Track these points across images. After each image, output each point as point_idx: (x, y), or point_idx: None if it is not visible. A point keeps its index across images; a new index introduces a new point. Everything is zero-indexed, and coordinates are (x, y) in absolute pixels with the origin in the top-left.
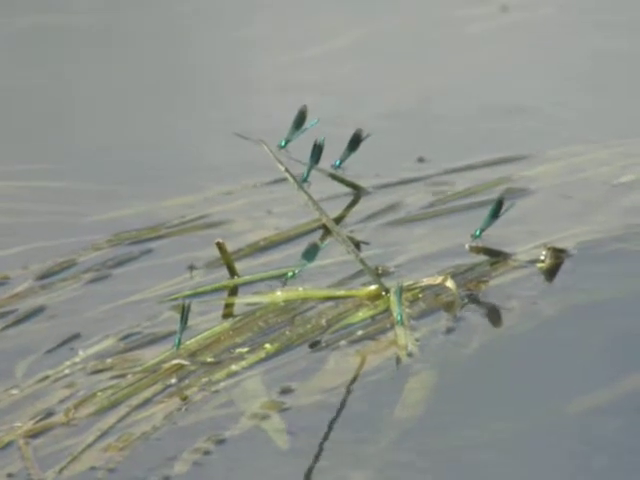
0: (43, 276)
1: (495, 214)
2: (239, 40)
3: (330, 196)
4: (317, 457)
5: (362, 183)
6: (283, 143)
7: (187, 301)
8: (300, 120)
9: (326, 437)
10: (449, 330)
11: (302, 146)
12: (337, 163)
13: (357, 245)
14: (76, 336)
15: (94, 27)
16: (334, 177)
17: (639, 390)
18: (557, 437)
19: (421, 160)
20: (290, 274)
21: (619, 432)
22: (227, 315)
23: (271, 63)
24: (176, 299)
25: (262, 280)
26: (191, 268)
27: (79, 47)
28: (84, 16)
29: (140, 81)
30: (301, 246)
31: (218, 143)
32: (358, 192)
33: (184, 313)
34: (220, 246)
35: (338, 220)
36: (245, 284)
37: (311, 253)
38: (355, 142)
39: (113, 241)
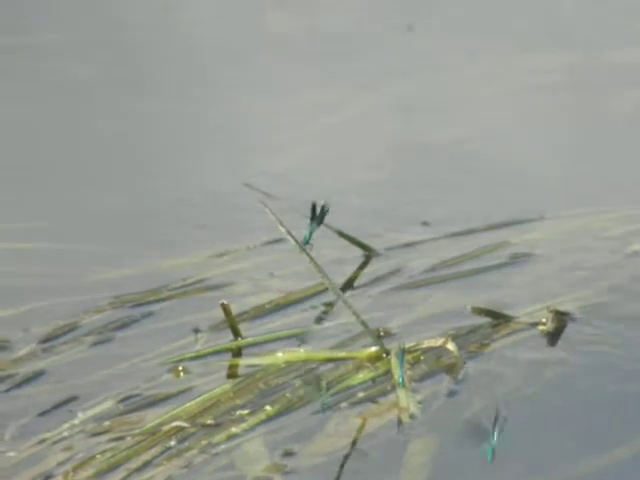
0: (45, 339)
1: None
2: (247, 103)
3: (342, 258)
4: None
5: (373, 245)
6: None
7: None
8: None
9: None
10: (451, 392)
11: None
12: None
13: None
14: (76, 399)
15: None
16: (343, 236)
17: None
18: None
19: (425, 224)
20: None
21: None
22: (228, 377)
23: (277, 132)
24: (180, 361)
25: (265, 342)
26: (196, 331)
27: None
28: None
29: (138, 139)
30: (306, 310)
31: (218, 203)
32: (369, 253)
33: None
34: (225, 308)
35: (348, 282)
36: (248, 346)
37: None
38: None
39: (115, 304)
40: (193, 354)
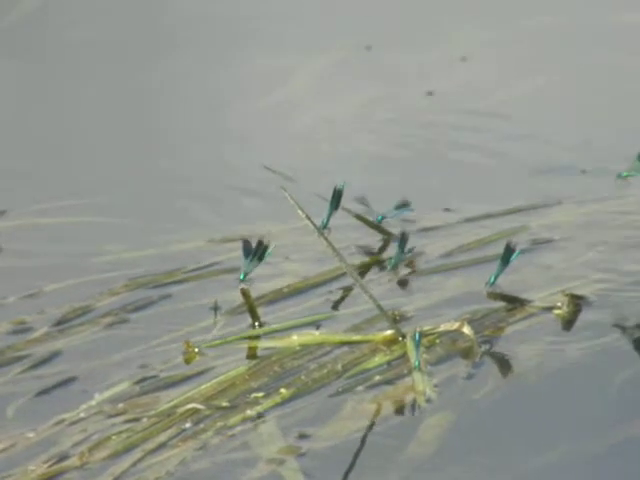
0: (60, 321)
1: (506, 261)
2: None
3: (360, 243)
4: None
5: (391, 229)
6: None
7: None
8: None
9: None
10: (467, 376)
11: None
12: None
13: None
14: (92, 380)
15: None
16: (362, 220)
17: None
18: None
19: (447, 210)
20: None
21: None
22: (243, 359)
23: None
24: (209, 347)
25: (285, 330)
26: (215, 308)
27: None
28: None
29: (156, 118)
30: (323, 295)
31: (230, 184)
32: (387, 238)
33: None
34: (244, 292)
35: (366, 266)
36: (271, 332)
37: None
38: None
39: (130, 286)
40: (220, 341)
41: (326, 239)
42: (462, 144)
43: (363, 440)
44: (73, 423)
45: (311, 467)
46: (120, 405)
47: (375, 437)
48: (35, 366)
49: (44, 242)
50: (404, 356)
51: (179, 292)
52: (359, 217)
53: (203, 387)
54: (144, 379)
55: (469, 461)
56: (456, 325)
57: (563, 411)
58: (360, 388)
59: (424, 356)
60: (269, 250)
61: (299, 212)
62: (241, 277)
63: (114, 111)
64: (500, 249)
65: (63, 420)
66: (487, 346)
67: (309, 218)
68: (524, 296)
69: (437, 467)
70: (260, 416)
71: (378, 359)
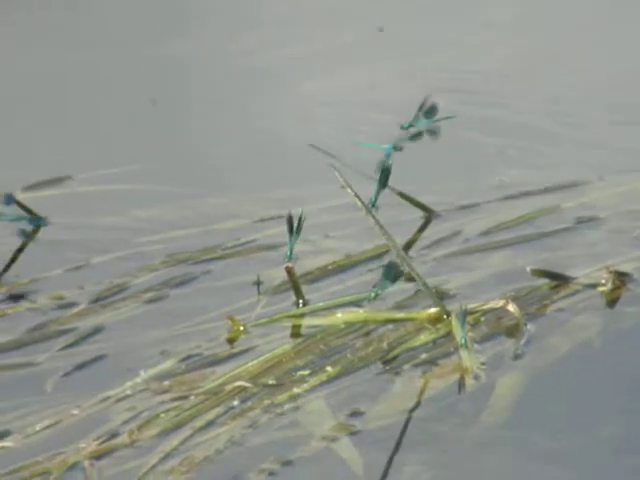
0: (101, 296)
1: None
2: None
3: (400, 220)
4: None
5: (433, 206)
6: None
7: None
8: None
9: (401, 460)
10: (512, 353)
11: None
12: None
13: None
14: (135, 356)
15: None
16: (405, 197)
17: None
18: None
19: (501, 181)
20: (373, 295)
21: None
22: (288, 337)
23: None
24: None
25: (330, 308)
26: (258, 284)
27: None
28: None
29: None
30: (365, 273)
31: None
32: (429, 215)
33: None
34: (289, 271)
35: (408, 244)
36: (315, 310)
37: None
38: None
39: (168, 262)
40: (267, 320)
41: (374, 217)
42: (493, 117)
43: (416, 418)
44: (119, 400)
45: (366, 444)
46: (166, 382)
47: (428, 415)
48: (77, 341)
49: (86, 214)
50: (449, 334)
51: (219, 269)
52: (403, 195)
53: (249, 365)
54: (189, 356)
55: (522, 437)
56: (501, 303)
57: (608, 386)
58: (407, 366)
59: (469, 334)
60: (301, 224)
61: (348, 190)
62: (288, 255)
63: (144, 77)
64: (539, 227)
65: (108, 397)
66: (532, 323)
67: (358, 196)
68: (568, 273)
69: (493, 441)
70: (308, 394)
71: (424, 337)
